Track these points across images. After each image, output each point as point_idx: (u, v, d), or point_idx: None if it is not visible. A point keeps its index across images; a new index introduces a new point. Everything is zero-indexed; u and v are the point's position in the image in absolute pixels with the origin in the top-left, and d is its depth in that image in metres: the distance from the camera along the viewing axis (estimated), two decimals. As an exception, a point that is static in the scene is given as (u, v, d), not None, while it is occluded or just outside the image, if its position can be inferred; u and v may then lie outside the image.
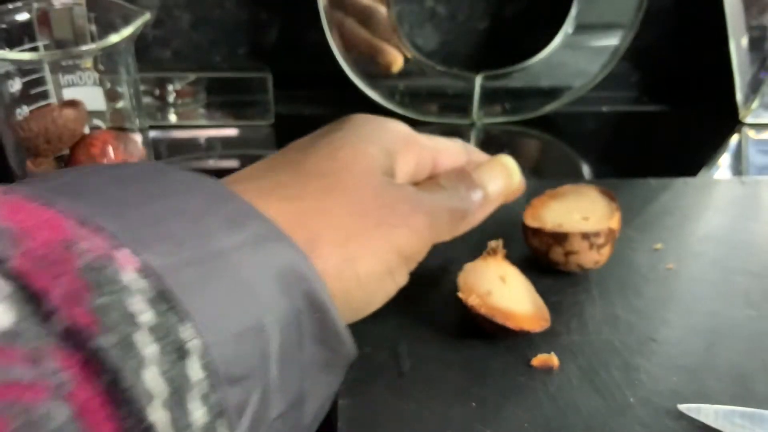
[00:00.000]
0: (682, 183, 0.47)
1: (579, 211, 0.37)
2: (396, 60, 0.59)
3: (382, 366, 0.32)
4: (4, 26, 0.42)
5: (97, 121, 0.45)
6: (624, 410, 0.30)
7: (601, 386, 0.31)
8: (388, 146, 0.31)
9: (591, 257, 0.36)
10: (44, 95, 0.42)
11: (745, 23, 0.59)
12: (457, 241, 0.33)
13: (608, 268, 0.37)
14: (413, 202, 0.29)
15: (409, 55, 0.59)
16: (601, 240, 0.35)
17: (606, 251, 0.36)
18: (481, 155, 0.36)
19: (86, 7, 0.44)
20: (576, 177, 0.54)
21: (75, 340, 0.18)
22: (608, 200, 0.38)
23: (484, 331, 0.33)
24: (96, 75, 0.43)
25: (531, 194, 0.39)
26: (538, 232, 0.36)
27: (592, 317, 0.35)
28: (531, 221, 0.37)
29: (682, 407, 0.29)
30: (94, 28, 0.44)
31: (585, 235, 0.35)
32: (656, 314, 0.35)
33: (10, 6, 0.42)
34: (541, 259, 0.37)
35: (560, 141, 0.59)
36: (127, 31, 0.40)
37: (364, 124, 0.32)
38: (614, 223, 0.36)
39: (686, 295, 0.36)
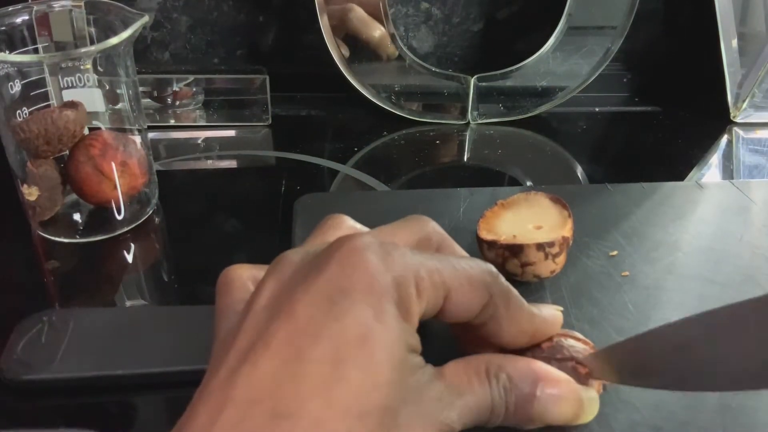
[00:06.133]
0: (638, 188, 0.46)
1: (532, 220, 0.37)
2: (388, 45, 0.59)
3: None
4: (4, 28, 0.43)
5: (96, 123, 0.45)
6: None
7: None
8: (400, 293, 0.24)
9: (547, 267, 0.35)
10: (44, 97, 0.43)
11: (736, 25, 0.60)
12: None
13: (563, 275, 0.37)
14: (428, 415, 0.23)
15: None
16: (555, 249, 0.35)
17: (561, 260, 0.35)
18: (503, 295, 0.27)
19: (85, 10, 0.45)
20: (569, 177, 0.55)
21: None
22: (560, 207, 0.38)
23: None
24: (95, 77, 0.44)
25: (484, 205, 0.38)
26: (493, 244, 0.35)
27: None
28: (485, 234, 0.36)
29: None
30: (93, 30, 0.45)
31: (540, 246, 0.34)
32: (610, 322, 0.34)
33: (10, 8, 0.43)
34: None
35: (553, 141, 0.60)
36: (126, 34, 0.41)
37: (360, 267, 0.23)
38: (567, 230, 0.36)
39: (641, 302, 0.35)
